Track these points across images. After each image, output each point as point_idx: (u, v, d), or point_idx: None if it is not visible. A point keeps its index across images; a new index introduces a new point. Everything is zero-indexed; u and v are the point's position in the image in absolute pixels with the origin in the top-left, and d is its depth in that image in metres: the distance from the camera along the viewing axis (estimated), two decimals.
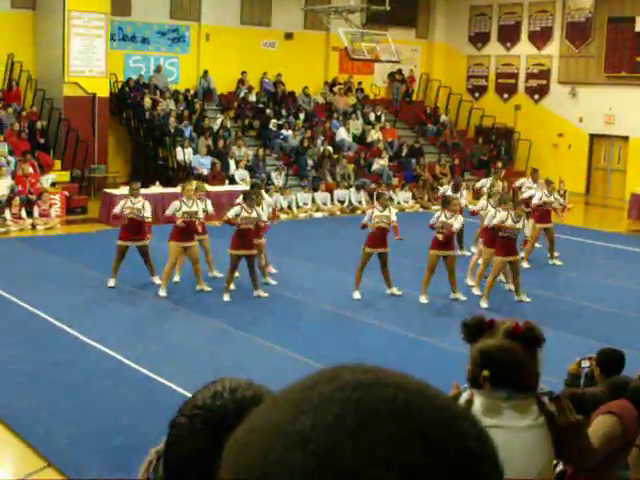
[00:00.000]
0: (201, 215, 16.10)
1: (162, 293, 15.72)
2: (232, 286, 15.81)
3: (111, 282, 16.22)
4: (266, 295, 15.83)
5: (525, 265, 18.59)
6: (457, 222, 15.82)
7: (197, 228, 15.97)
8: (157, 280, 16.27)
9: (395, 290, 16.25)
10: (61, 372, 11.44)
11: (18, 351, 12.29)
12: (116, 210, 16.53)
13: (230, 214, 15.55)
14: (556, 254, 20.02)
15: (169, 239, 15.95)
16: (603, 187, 32.74)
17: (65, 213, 23.75)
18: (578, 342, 12.91)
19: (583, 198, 31.80)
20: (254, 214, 15.54)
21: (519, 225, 15.79)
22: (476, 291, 16.46)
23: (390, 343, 13.38)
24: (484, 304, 15.42)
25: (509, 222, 15.54)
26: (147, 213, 16.26)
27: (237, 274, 16.16)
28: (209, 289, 16.10)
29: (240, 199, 16.35)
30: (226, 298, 15.50)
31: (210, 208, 16.57)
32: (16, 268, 17.86)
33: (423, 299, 15.85)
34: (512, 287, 16.39)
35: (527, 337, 3.42)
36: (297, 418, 1.03)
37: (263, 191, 17.98)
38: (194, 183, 17.67)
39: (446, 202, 16.20)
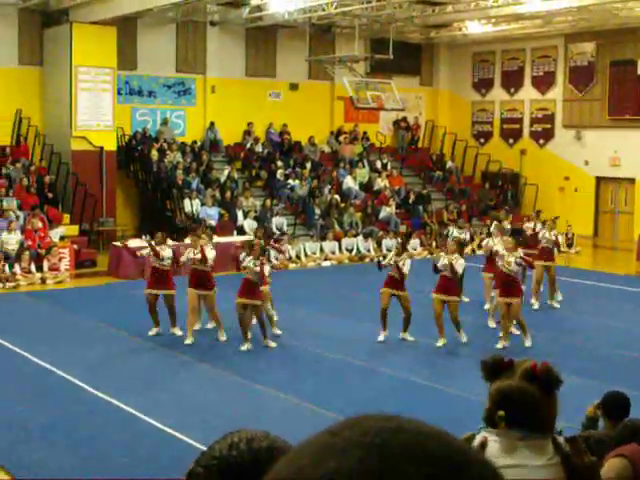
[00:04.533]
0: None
1: (188, 341, 15.84)
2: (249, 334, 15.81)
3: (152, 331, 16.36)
4: (274, 345, 15.79)
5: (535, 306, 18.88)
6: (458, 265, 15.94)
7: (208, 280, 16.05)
8: (177, 331, 16.30)
9: (407, 335, 16.26)
10: (72, 425, 11.42)
11: (30, 405, 12.28)
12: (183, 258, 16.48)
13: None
14: (559, 297, 20.03)
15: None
16: (611, 229, 32.76)
17: (74, 267, 23.80)
18: (587, 385, 12.85)
19: (591, 241, 31.81)
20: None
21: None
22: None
23: (401, 391, 13.35)
24: (501, 345, 15.51)
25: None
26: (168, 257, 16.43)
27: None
28: (224, 338, 16.08)
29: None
30: (244, 347, 15.51)
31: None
32: (26, 322, 17.88)
33: (440, 342, 15.92)
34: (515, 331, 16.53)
35: (543, 379, 3.44)
36: (322, 462, 1.09)
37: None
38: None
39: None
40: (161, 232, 17.21)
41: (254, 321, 15.84)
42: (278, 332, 16.61)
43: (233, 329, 16.06)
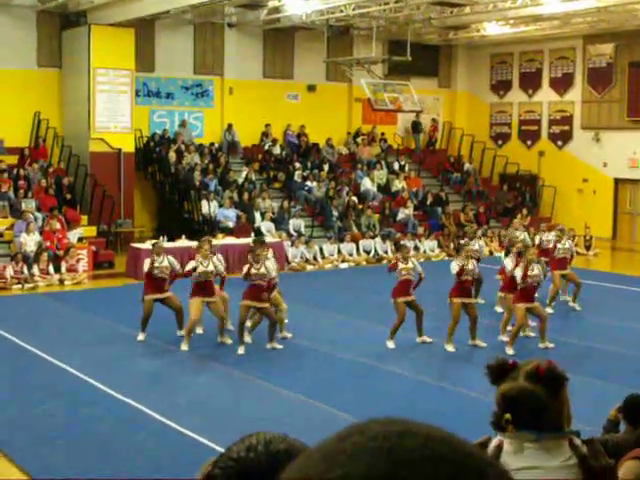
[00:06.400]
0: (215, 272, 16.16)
1: (184, 347, 15.69)
2: (248, 339, 15.81)
3: (140, 336, 16.26)
4: (280, 347, 15.79)
5: (550, 310, 18.48)
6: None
7: (213, 288, 16.00)
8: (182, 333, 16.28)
9: (426, 338, 16.24)
10: (90, 426, 11.44)
11: (47, 406, 12.31)
12: (145, 268, 16.44)
13: (244, 271, 15.55)
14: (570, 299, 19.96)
15: (191, 295, 15.92)
16: (629, 231, 32.60)
17: (92, 268, 23.86)
18: (606, 388, 12.80)
19: (610, 243, 31.69)
20: (262, 269, 15.49)
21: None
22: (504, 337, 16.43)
23: (417, 392, 13.33)
24: (510, 351, 15.32)
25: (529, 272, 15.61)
26: (177, 267, 16.36)
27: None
28: (229, 341, 16.04)
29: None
30: (240, 351, 15.47)
31: (221, 268, 16.45)
32: (44, 323, 17.95)
33: (450, 347, 15.80)
34: (530, 334, 16.48)
35: (548, 378, 3.43)
36: (330, 468, 1.07)
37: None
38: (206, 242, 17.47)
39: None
40: (158, 243, 17.13)
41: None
42: (288, 335, 16.58)
43: (258, 331, 16.08)
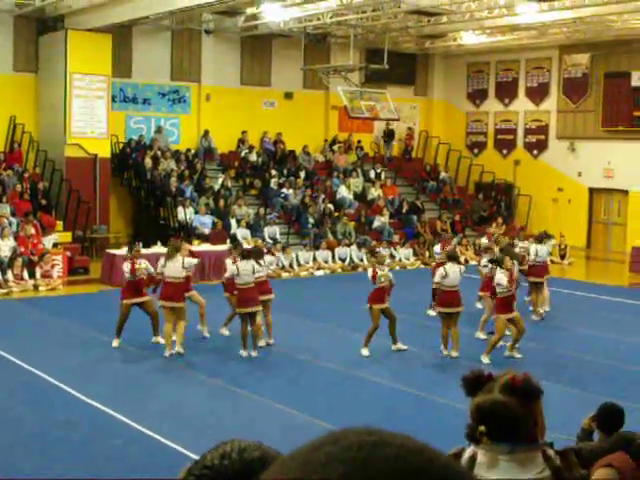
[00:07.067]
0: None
1: (167, 354, 15.65)
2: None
3: (115, 342, 16.21)
4: (255, 354, 15.79)
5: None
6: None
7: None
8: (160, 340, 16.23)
9: (400, 345, 16.24)
10: (64, 433, 11.38)
11: (21, 412, 12.23)
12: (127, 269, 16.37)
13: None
14: (540, 310, 19.90)
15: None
16: (604, 241, 32.77)
17: (67, 274, 23.75)
18: (578, 396, 12.85)
19: (584, 252, 31.83)
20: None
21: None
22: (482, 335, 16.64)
23: (391, 400, 13.32)
24: (486, 359, 15.35)
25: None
26: (151, 269, 16.33)
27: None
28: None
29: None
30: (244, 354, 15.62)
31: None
32: (18, 329, 17.83)
33: (445, 352, 15.85)
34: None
35: (523, 390, 3.44)
36: (304, 477, 1.06)
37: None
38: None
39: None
40: (137, 244, 17.15)
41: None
42: (269, 342, 16.58)
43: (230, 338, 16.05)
